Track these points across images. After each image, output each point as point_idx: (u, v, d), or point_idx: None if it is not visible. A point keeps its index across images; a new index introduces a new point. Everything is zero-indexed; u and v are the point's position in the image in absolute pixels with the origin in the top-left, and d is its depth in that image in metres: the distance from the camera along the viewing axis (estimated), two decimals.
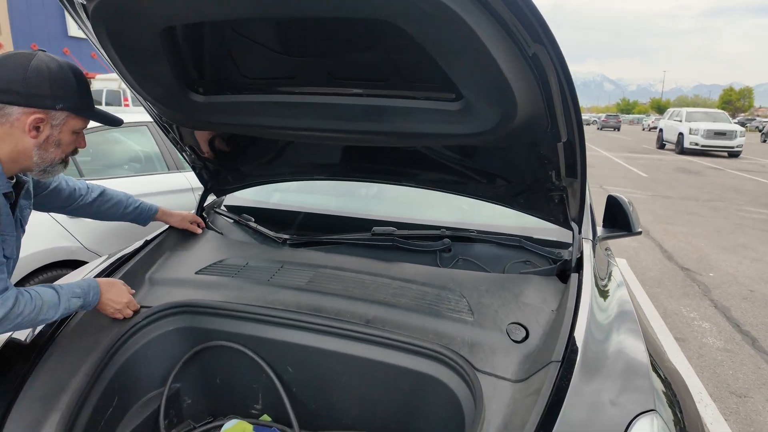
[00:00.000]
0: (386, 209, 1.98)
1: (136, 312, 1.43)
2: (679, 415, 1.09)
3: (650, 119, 48.12)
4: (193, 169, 1.89)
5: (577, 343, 1.12)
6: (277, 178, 1.94)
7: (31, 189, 1.36)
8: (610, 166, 13.94)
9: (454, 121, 1.22)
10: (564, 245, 1.73)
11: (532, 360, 1.19)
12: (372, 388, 1.32)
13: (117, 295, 1.39)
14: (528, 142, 1.28)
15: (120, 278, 1.59)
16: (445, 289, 1.45)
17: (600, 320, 1.25)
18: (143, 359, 1.42)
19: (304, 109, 1.34)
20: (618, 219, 1.94)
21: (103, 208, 1.66)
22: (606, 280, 1.55)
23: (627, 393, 1.01)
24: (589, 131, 41.96)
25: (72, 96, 1.14)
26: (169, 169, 3.57)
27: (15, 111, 1.08)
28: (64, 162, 1.26)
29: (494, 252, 1.65)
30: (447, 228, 1.70)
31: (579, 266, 1.51)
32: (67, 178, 1.57)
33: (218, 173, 1.92)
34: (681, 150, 17.41)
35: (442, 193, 1.73)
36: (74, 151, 1.27)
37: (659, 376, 1.22)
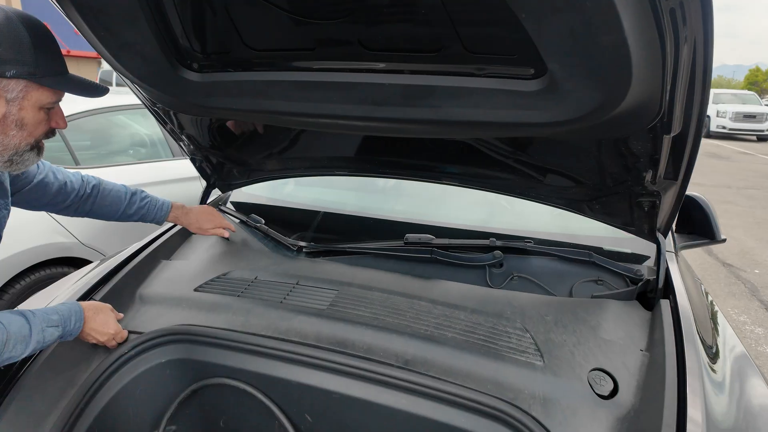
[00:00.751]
0: (421, 210, 1.67)
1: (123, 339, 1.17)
2: None
3: None
4: (193, 162, 1.60)
5: (693, 412, 0.83)
6: (290, 173, 1.64)
7: (7, 185, 1.13)
8: None
9: (529, 106, 0.91)
10: (640, 258, 1.42)
11: (627, 427, 0.90)
12: None
13: (102, 324, 1.13)
14: (626, 134, 0.96)
15: (107, 292, 1.33)
16: (502, 318, 1.16)
17: (714, 373, 0.95)
18: (131, 398, 1.16)
19: (326, 90, 1.04)
20: (696, 223, 1.62)
21: (100, 204, 1.39)
22: (703, 306, 1.24)
23: None
24: None
25: (27, 58, 0.88)
26: (174, 156, 3.30)
27: None
28: (36, 148, 1.01)
29: (557, 268, 1.35)
30: (497, 236, 1.39)
31: (667, 289, 1.21)
32: (56, 169, 1.32)
33: (222, 167, 1.63)
34: (707, 134, 16.65)
35: (490, 193, 1.42)
36: (49, 133, 1.03)
37: None
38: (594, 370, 1.01)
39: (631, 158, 1.05)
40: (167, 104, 1.22)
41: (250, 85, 1.09)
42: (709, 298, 1.36)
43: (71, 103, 2.74)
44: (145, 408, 1.19)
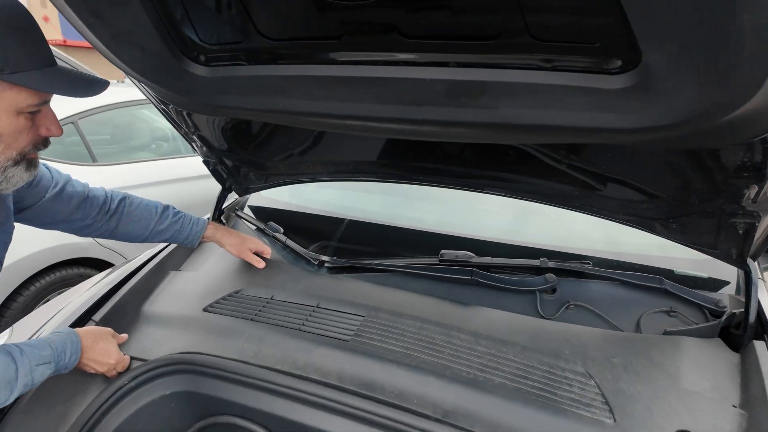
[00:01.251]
0: (458, 222, 1.48)
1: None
2: None
3: None
4: (206, 165, 1.46)
5: None
6: (311, 177, 1.48)
7: (9, 204, 0.98)
8: None
9: (611, 108, 0.72)
10: (717, 284, 1.21)
11: None
12: None
13: (103, 354, 1.00)
14: (730, 145, 0.76)
15: (110, 308, 1.21)
16: (560, 359, 0.97)
17: None
18: None
19: (355, 86, 0.87)
20: None
21: (128, 221, 1.21)
22: None
23: None
24: None
25: None
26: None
27: None
28: (25, 162, 0.83)
29: (620, 295, 1.15)
30: (548, 254, 1.20)
31: (762, 326, 1.01)
32: (75, 182, 1.16)
33: (238, 170, 1.49)
34: None
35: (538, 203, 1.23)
36: (40, 144, 0.86)
37: None
38: None
39: (728, 173, 0.85)
40: (172, 102, 1.07)
41: (266, 81, 0.93)
42: None
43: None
44: None
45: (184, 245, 1.32)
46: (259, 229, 1.56)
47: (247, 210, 1.73)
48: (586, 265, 1.17)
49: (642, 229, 1.11)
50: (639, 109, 0.70)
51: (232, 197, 1.70)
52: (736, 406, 0.87)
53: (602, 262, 1.20)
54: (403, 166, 1.28)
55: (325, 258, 1.37)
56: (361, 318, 1.13)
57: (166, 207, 1.28)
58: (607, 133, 0.78)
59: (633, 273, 1.14)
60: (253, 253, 1.35)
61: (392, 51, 0.80)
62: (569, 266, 1.17)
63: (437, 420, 0.87)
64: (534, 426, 0.84)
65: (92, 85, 0.84)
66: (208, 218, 1.32)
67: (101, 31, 0.83)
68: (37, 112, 0.82)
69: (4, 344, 0.86)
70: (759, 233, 0.96)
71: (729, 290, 1.20)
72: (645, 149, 0.97)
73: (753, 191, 0.85)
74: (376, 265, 1.30)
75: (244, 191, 1.65)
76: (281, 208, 1.72)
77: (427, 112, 0.85)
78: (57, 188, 1.10)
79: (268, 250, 1.37)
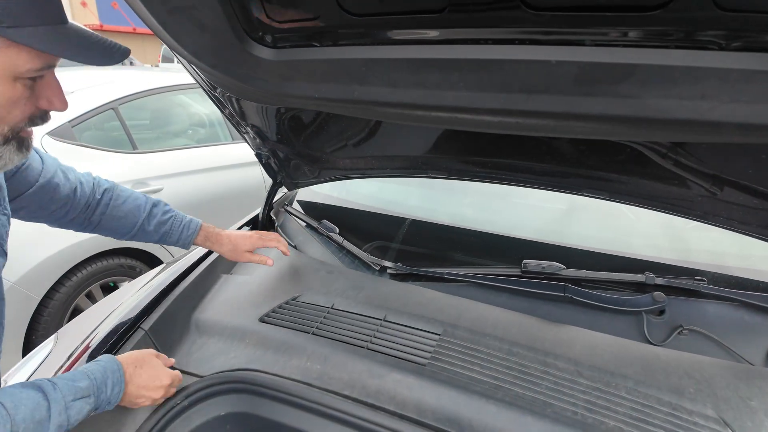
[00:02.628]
0: (543, 225, 1.32)
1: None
2: None
3: None
4: (258, 158, 1.34)
5: None
6: (370, 173, 1.34)
7: (2, 182, 0.84)
8: None
9: None
10: None
11: None
12: None
13: (152, 378, 0.88)
14: None
15: (158, 319, 1.11)
16: (683, 397, 0.82)
17: None
18: None
19: (452, 71, 0.72)
20: None
21: (112, 216, 1.06)
22: None
23: None
24: None
25: None
26: (233, 139, 3.10)
27: None
28: (16, 141, 0.69)
29: (743, 318, 0.98)
30: (653, 268, 1.03)
31: None
32: (66, 169, 1.02)
33: (289, 162, 1.36)
34: None
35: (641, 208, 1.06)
36: (38, 118, 0.70)
37: None
38: None
39: None
40: (231, 90, 0.94)
41: (343, 66, 0.79)
42: None
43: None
44: None
45: (178, 246, 1.16)
46: (310, 226, 1.44)
47: (296, 205, 1.61)
48: (701, 283, 1.00)
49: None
50: None
51: (281, 191, 1.58)
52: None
53: (720, 279, 1.02)
54: (483, 162, 1.12)
55: (387, 263, 1.23)
56: (437, 336, 0.99)
57: (155, 204, 1.12)
58: None
59: (761, 294, 0.97)
60: (259, 248, 1.19)
61: (511, 25, 0.65)
62: (680, 284, 1.00)
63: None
64: None
65: (109, 52, 0.67)
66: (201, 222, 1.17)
67: (157, 5, 0.70)
68: (39, 79, 0.67)
69: (34, 379, 0.74)
70: None
71: None
72: None
73: None
74: (447, 274, 1.15)
75: (293, 185, 1.53)
76: (332, 204, 1.60)
77: (546, 103, 0.69)
78: (46, 177, 0.95)
79: (275, 243, 1.20)
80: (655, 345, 0.97)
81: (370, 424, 0.85)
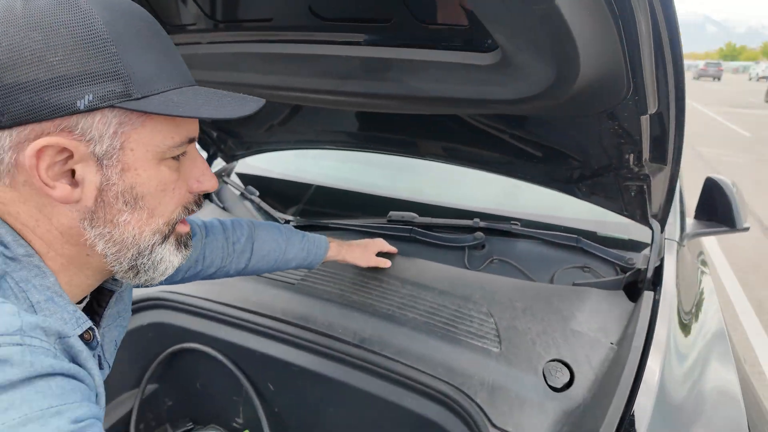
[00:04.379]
0: (408, 186, 1.63)
1: None
2: None
3: (760, 67, 41.73)
4: None
5: (639, 412, 0.77)
6: (283, 146, 1.64)
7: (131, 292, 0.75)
8: (705, 123, 12.29)
9: (489, 81, 0.84)
10: (639, 246, 1.32)
11: (573, 421, 0.86)
12: (364, 426, 1.05)
13: None
14: (599, 113, 0.88)
15: None
16: (469, 301, 1.12)
17: (679, 372, 0.88)
18: (116, 357, 1.25)
19: (290, 62, 1.02)
20: (717, 209, 1.47)
21: (257, 258, 1.00)
22: (693, 301, 1.14)
23: None
24: None
25: (111, 64, 0.46)
26: None
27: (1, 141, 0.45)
28: (175, 238, 0.59)
29: (542, 252, 1.28)
30: (483, 216, 1.33)
31: (657, 280, 1.12)
32: (209, 223, 0.96)
33: (219, 139, 1.66)
34: None
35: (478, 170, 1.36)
36: (193, 203, 0.59)
37: None
38: (552, 361, 0.97)
39: (611, 139, 0.96)
40: None
41: (221, 58, 1.09)
42: (702, 286, 1.24)
43: None
44: (129, 367, 1.28)
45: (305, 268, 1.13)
46: (240, 193, 1.75)
47: (234, 176, 1.91)
48: (514, 226, 1.30)
49: (567, 193, 1.23)
50: (509, 82, 0.83)
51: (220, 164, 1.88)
52: (613, 343, 1.00)
53: (531, 224, 1.32)
54: (359, 135, 1.42)
55: (290, 217, 1.54)
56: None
57: (288, 232, 1.07)
58: (493, 104, 0.91)
59: (553, 233, 1.27)
60: (378, 254, 1.25)
61: (314, 30, 0.94)
62: (498, 226, 1.30)
63: (355, 345, 1.04)
64: (432, 352, 1.00)
65: (242, 102, 0.55)
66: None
67: None
68: (182, 157, 0.56)
69: None
70: (656, 195, 1.07)
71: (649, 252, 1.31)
72: (567, 118, 1.08)
73: (632, 157, 0.96)
74: (332, 224, 1.46)
75: (230, 158, 1.83)
76: (263, 175, 1.90)
77: (351, 85, 0.99)
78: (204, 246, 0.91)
79: (393, 249, 1.28)
80: (471, 270, 1.27)
81: (247, 323, 1.15)
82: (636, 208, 1.13)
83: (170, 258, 0.58)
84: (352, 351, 1.04)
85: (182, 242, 0.60)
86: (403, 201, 1.48)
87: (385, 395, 1.00)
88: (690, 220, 1.53)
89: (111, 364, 0.72)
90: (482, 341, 1.02)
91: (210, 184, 0.59)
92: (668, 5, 0.62)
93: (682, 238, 1.32)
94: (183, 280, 0.91)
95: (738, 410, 0.80)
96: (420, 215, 1.37)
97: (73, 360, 0.48)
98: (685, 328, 1.00)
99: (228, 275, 0.98)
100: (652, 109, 0.81)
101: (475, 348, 1.00)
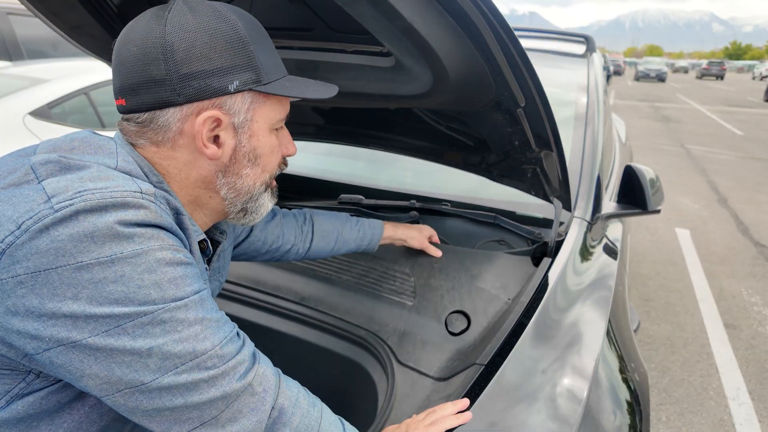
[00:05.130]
0: (359, 173, 1.83)
1: None
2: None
3: (764, 66, 41.57)
4: None
5: (512, 345, 0.96)
6: None
7: (231, 246, 0.94)
8: (699, 121, 12.41)
9: (394, 80, 1.04)
10: (550, 223, 1.50)
11: (462, 357, 1.05)
12: (303, 370, 1.25)
13: None
14: (490, 107, 1.07)
15: None
16: (396, 264, 1.32)
17: (556, 320, 1.07)
18: None
19: None
20: (635, 194, 1.66)
21: (318, 238, 1.14)
22: (590, 267, 1.33)
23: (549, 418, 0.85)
24: (686, 79, 37.54)
25: (248, 59, 0.64)
26: None
27: (170, 116, 0.63)
28: (271, 188, 0.78)
29: (467, 228, 1.47)
30: (418, 198, 1.53)
31: (558, 251, 1.31)
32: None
33: None
34: None
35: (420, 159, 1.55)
36: (283, 164, 0.78)
37: (627, 385, 1.04)
38: (454, 312, 1.16)
39: (504, 129, 1.15)
40: None
41: None
42: (604, 262, 1.42)
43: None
44: None
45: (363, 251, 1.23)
46: None
47: None
48: (444, 206, 1.49)
49: (485, 177, 1.42)
50: (406, 81, 1.02)
51: None
52: (510, 299, 1.19)
53: (461, 205, 1.51)
54: (310, 126, 1.62)
55: None
56: None
57: (343, 216, 1.20)
58: (402, 99, 1.10)
59: (475, 212, 1.46)
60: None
61: None
62: (430, 206, 1.50)
63: (296, 302, 1.24)
64: (358, 306, 1.20)
65: (324, 87, 0.75)
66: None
67: (61, 25, 1.19)
68: (280, 129, 0.74)
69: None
70: (552, 177, 1.26)
71: (563, 229, 1.50)
72: (473, 112, 1.27)
73: (520, 143, 1.15)
74: (288, 205, 1.65)
75: None
76: None
77: None
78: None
79: (437, 252, 1.32)
80: None
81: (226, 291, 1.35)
82: (537, 188, 1.32)
83: (267, 203, 0.77)
84: (293, 307, 1.23)
85: (274, 192, 0.79)
86: (352, 186, 1.68)
87: (318, 342, 1.20)
88: (612, 204, 1.72)
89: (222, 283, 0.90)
90: (400, 297, 1.21)
91: (294, 150, 0.78)
92: (496, 15, 0.79)
93: (595, 218, 1.50)
94: (265, 255, 1.08)
95: (587, 355, 0.98)
96: (367, 197, 1.56)
97: (184, 233, 0.63)
98: (569, 291, 1.18)
99: (296, 257, 1.12)
100: (522, 102, 1.00)
101: (393, 302, 1.20)
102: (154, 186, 0.62)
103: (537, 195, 1.35)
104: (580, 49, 2.30)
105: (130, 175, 0.60)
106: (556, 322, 1.05)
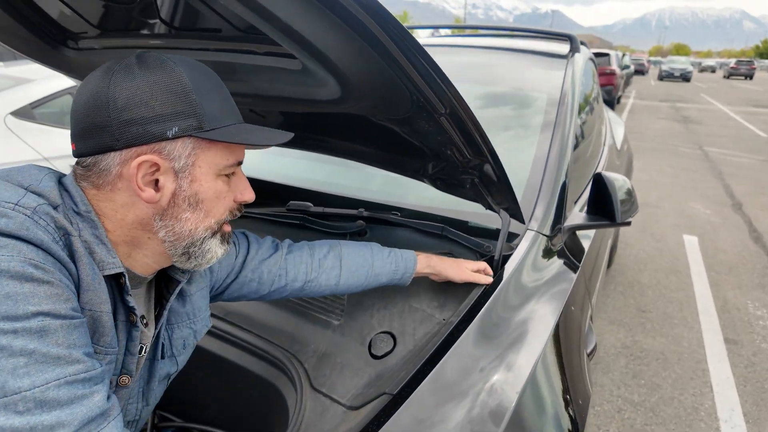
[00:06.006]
0: (309, 176, 1.75)
1: None
2: None
3: None
4: None
5: (426, 374, 0.88)
6: None
7: (195, 302, 0.90)
8: (722, 123, 11.97)
9: (306, 84, 0.97)
10: (509, 235, 1.41)
11: (379, 383, 0.98)
12: (221, 388, 1.19)
13: None
14: (414, 114, 0.98)
15: None
16: None
17: (487, 340, 0.98)
18: None
19: None
20: (606, 204, 1.55)
21: (346, 272, 1.06)
22: (538, 285, 1.24)
23: None
24: (712, 79, 36.40)
25: (190, 107, 0.65)
26: None
27: (111, 160, 0.65)
28: (221, 235, 0.75)
29: (414, 239, 1.39)
30: (366, 207, 1.45)
31: (503, 263, 1.23)
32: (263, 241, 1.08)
33: None
34: None
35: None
36: (236, 210, 0.77)
37: (569, 414, 0.96)
38: (381, 333, 1.08)
39: (435, 137, 1.06)
40: (66, 75, 1.40)
41: (115, 55, 1.23)
42: (559, 279, 1.32)
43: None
44: None
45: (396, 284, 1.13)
46: None
47: None
48: (393, 216, 1.41)
49: (431, 185, 1.34)
50: (318, 85, 0.95)
51: None
52: (445, 320, 1.11)
53: (408, 213, 1.43)
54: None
55: None
56: None
57: (373, 247, 1.13)
58: (323, 103, 1.03)
59: (423, 222, 1.37)
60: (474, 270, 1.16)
61: (172, 38, 1.08)
62: (381, 215, 1.42)
63: (219, 317, 1.18)
64: (282, 324, 1.14)
65: (273, 134, 0.76)
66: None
67: None
68: (232, 175, 0.74)
69: None
70: (493, 187, 1.16)
71: (518, 241, 1.40)
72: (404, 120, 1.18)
73: (451, 152, 1.07)
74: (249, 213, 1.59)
75: None
76: None
77: (231, 86, 1.12)
78: (253, 252, 1.01)
79: (489, 269, 1.18)
80: None
81: None
82: (481, 198, 1.23)
83: (215, 249, 0.75)
84: (215, 323, 1.17)
85: (225, 238, 0.77)
86: (304, 190, 1.61)
87: (237, 361, 1.14)
88: (581, 215, 1.62)
89: (179, 362, 0.90)
90: (328, 315, 1.14)
91: (249, 196, 0.77)
92: (384, 15, 0.71)
93: (555, 230, 1.40)
94: (270, 294, 1.02)
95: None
96: (316, 204, 1.49)
97: (71, 257, 0.61)
98: (509, 308, 1.10)
99: (321, 293, 1.05)
100: (442, 109, 0.92)
101: (319, 321, 1.13)
102: (79, 213, 0.64)
103: (484, 205, 1.26)
104: (564, 48, 2.18)
105: (36, 194, 0.62)
106: (486, 342, 0.96)
